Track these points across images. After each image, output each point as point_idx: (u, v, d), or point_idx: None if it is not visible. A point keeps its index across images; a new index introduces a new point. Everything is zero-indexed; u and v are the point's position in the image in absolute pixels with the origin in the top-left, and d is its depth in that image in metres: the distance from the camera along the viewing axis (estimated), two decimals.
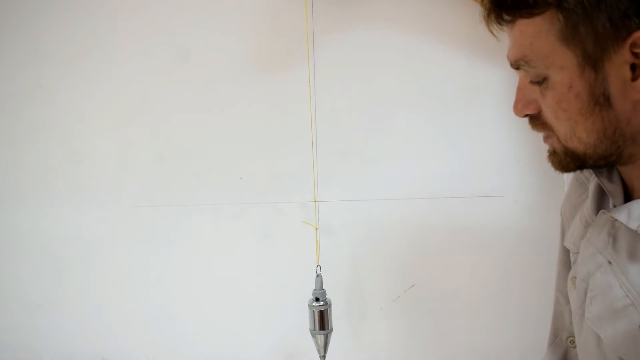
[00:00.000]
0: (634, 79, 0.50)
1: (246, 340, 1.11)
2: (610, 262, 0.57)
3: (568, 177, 0.78)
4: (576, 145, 0.55)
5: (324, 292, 0.95)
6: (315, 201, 1.03)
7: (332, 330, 0.94)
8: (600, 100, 0.51)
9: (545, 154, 0.61)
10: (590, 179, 0.65)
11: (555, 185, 1.00)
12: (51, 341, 1.14)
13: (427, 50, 1.03)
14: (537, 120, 0.58)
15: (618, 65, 0.50)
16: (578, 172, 0.70)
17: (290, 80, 1.04)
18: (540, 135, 0.62)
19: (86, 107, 1.11)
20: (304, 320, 0.95)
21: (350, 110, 1.05)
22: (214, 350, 1.11)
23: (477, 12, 1.01)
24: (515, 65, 0.56)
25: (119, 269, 1.12)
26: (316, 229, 1.00)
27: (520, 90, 0.58)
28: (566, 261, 0.71)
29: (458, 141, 1.04)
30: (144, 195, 1.10)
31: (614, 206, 0.59)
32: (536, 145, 0.62)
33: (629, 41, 0.49)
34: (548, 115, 0.56)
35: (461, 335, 1.06)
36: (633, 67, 0.50)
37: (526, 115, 0.59)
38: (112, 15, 1.09)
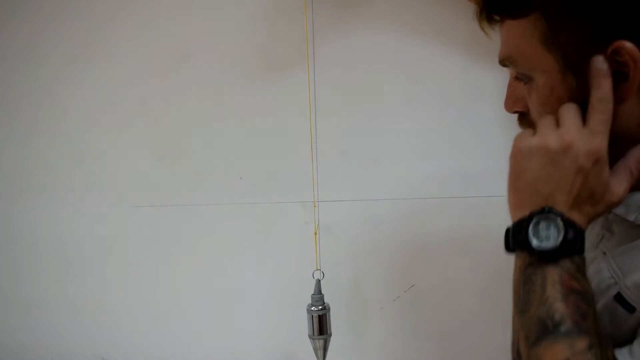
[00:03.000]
0: (614, 87, 0.50)
1: (246, 341, 1.11)
2: (605, 253, 0.57)
3: None
4: None
5: (322, 296, 0.94)
6: (315, 206, 1.03)
7: (331, 335, 0.93)
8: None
9: None
10: None
11: None
12: (51, 341, 1.14)
13: (426, 51, 1.03)
14: (525, 119, 0.59)
15: None
16: None
17: (291, 80, 1.04)
18: None
19: (86, 107, 1.11)
20: (304, 322, 0.95)
21: (350, 111, 1.05)
22: (214, 350, 1.11)
23: (475, 13, 1.01)
24: (502, 64, 0.58)
25: (118, 269, 1.12)
26: (315, 233, 1.00)
27: (510, 86, 0.60)
28: None
29: (458, 141, 1.04)
30: (144, 195, 1.10)
31: None
32: None
33: (610, 49, 0.49)
34: (533, 114, 0.57)
35: (461, 335, 1.06)
36: (614, 74, 0.50)
37: (516, 112, 0.60)
38: (112, 15, 1.09)
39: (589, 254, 0.60)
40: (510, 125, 1.02)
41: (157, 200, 1.10)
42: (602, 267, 0.57)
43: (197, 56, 1.07)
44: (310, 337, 0.93)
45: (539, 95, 0.55)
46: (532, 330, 0.50)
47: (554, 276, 0.50)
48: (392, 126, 1.05)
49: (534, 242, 0.51)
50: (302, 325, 0.95)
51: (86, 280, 1.13)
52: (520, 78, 0.56)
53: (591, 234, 0.60)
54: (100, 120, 1.10)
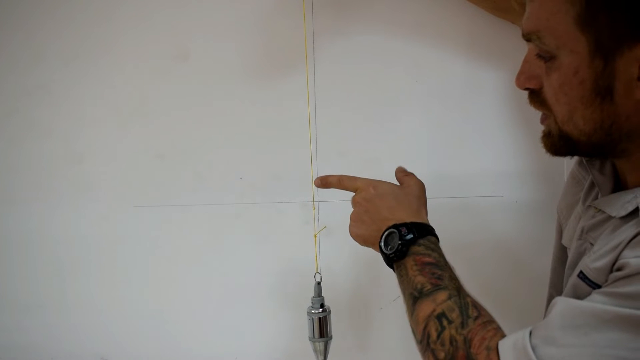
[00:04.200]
0: None
1: (247, 342, 1.11)
2: (592, 244, 0.58)
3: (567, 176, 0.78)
4: (571, 130, 0.55)
5: (323, 299, 0.93)
6: (315, 208, 1.03)
7: (331, 337, 0.93)
8: (603, 92, 0.51)
9: (544, 154, 0.61)
10: (587, 178, 0.66)
11: (555, 185, 1.00)
12: (51, 341, 1.14)
13: (426, 51, 1.03)
14: (536, 97, 0.58)
15: (629, 62, 0.50)
16: (575, 170, 0.70)
17: (291, 80, 1.04)
18: (539, 135, 0.62)
19: (86, 107, 1.11)
20: (305, 322, 0.94)
21: (351, 111, 1.05)
22: (215, 350, 1.11)
23: (475, 14, 1.02)
24: (527, 37, 0.56)
25: (119, 269, 1.12)
26: (315, 235, 1.00)
27: (526, 62, 0.58)
28: (561, 258, 0.72)
29: (458, 141, 1.04)
30: (144, 195, 1.10)
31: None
32: (536, 145, 0.62)
33: None
34: (549, 94, 0.56)
35: None
36: None
37: (527, 89, 0.58)
38: (112, 15, 1.09)
39: (581, 247, 0.61)
40: (510, 125, 1.02)
41: (157, 200, 1.10)
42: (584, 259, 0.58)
43: (197, 56, 1.07)
44: (310, 339, 0.92)
45: (560, 75, 0.53)
46: (409, 305, 0.65)
47: (409, 262, 0.65)
48: (393, 126, 1.05)
49: (388, 250, 0.68)
50: (304, 326, 0.95)
51: (86, 281, 1.13)
52: (542, 55, 0.55)
53: (578, 226, 0.62)
54: (99, 120, 1.10)
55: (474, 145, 1.03)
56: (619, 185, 0.60)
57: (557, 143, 0.57)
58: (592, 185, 0.64)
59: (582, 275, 0.56)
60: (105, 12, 1.09)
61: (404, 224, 0.68)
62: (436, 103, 1.04)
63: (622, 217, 0.54)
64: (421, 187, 0.77)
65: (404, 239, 0.66)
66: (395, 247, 0.66)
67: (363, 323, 1.08)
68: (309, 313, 0.92)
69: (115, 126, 1.10)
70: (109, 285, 1.12)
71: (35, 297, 1.14)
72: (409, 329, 1.11)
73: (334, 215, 1.06)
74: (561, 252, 0.73)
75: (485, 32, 1.01)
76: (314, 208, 1.02)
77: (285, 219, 1.07)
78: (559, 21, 0.52)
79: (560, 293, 0.71)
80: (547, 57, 0.54)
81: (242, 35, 1.06)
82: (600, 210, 0.58)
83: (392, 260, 0.68)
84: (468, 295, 0.62)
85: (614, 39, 0.49)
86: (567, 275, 0.65)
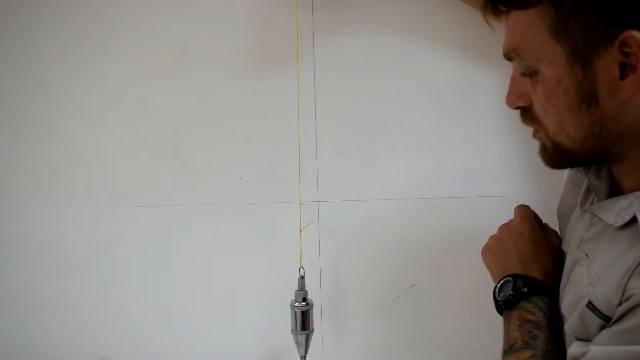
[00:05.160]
0: (622, 78, 0.50)
1: (247, 341, 1.11)
2: (587, 255, 0.58)
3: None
4: (564, 140, 0.55)
5: (306, 292, 0.96)
6: (300, 204, 1.03)
7: (313, 330, 0.96)
8: (588, 97, 0.51)
9: None
10: (584, 181, 0.66)
11: (555, 186, 1.00)
12: (51, 341, 1.14)
13: (425, 52, 1.03)
14: (527, 114, 0.58)
15: (607, 64, 0.50)
16: (573, 173, 0.70)
17: (291, 80, 1.04)
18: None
19: (86, 107, 1.11)
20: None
21: (350, 111, 1.05)
22: (215, 350, 1.11)
23: (473, 14, 1.02)
24: (508, 57, 0.56)
25: (118, 269, 1.12)
26: (300, 231, 1.00)
27: (513, 81, 0.59)
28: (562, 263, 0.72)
29: (458, 141, 1.04)
30: (144, 195, 1.10)
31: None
32: (535, 145, 0.62)
33: (619, 39, 0.48)
34: (538, 109, 0.56)
35: (462, 335, 1.06)
36: (622, 66, 0.49)
37: (518, 108, 0.59)
38: (111, 16, 1.09)
39: (576, 254, 0.61)
40: (509, 125, 1.02)
41: (157, 200, 1.10)
42: (583, 274, 0.57)
43: (198, 56, 1.07)
44: (292, 332, 0.96)
45: (544, 87, 0.54)
46: (501, 355, 0.66)
47: (514, 315, 0.67)
48: (392, 126, 1.05)
49: (499, 296, 0.69)
50: None
51: (86, 280, 1.13)
52: (526, 72, 0.55)
53: (580, 236, 0.61)
54: (100, 120, 1.10)
55: (474, 145, 1.03)
56: (615, 189, 0.60)
57: (554, 156, 0.58)
58: (589, 189, 0.63)
59: (591, 306, 0.55)
60: (105, 14, 1.09)
61: (524, 277, 0.68)
62: (436, 103, 1.04)
63: (620, 227, 0.54)
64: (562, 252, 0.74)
65: (517, 291, 0.67)
66: (506, 297, 0.68)
67: (363, 323, 1.08)
68: (292, 306, 0.96)
69: (115, 126, 1.10)
70: (109, 285, 1.12)
71: (36, 296, 1.14)
72: (409, 329, 1.11)
73: (334, 214, 1.06)
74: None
75: (482, 32, 1.01)
76: (300, 204, 1.02)
77: (285, 219, 1.07)
78: (533, 35, 0.53)
79: (558, 297, 0.71)
80: (530, 73, 0.55)
81: (242, 36, 1.06)
82: (596, 215, 0.58)
83: (501, 307, 0.69)
84: (553, 359, 0.62)
85: (589, 43, 0.50)
86: (563, 283, 0.64)
